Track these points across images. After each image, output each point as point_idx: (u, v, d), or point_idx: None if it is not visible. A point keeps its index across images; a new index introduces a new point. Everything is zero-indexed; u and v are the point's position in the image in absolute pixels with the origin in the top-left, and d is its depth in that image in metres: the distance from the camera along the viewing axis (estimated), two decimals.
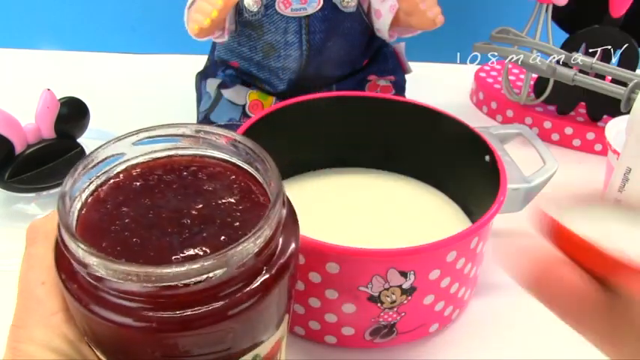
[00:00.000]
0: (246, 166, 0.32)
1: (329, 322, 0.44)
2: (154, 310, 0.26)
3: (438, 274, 0.43)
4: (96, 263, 0.26)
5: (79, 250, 0.26)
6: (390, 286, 0.42)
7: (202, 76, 0.68)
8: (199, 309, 0.26)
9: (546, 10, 0.70)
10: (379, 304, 0.43)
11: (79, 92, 0.58)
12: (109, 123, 0.65)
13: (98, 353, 0.31)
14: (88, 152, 0.58)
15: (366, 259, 0.41)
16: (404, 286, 0.42)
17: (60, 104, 0.56)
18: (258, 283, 0.27)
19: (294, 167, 0.58)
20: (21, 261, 0.32)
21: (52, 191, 0.56)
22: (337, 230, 0.51)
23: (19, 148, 0.54)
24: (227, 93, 0.65)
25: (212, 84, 0.66)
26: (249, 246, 0.26)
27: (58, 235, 0.28)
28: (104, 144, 0.31)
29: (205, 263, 0.25)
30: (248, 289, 0.27)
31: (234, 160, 0.32)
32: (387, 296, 0.42)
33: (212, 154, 0.33)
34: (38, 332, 0.30)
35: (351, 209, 0.55)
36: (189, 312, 0.26)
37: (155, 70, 0.82)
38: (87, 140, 0.59)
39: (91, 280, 0.27)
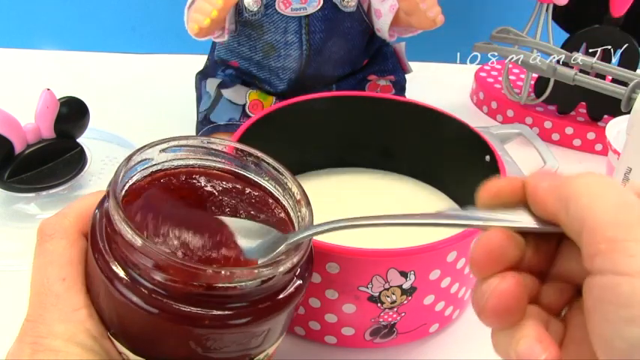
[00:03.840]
0: (266, 184, 0.35)
1: (329, 322, 0.44)
2: (205, 307, 0.28)
3: (439, 274, 0.43)
4: (163, 259, 0.27)
5: (145, 244, 0.27)
6: (390, 286, 0.42)
7: (202, 76, 0.68)
8: (246, 309, 0.29)
9: (546, 10, 0.70)
10: (379, 304, 0.43)
11: (78, 92, 0.58)
12: (108, 123, 0.65)
13: (123, 348, 0.31)
14: (87, 152, 0.59)
15: (366, 259, 0.41)
16: (404, 286, 0.42)
17: (60, 104, 0.56)
18: (293, 287, 0.31)
19: (294, 167, 0.57)
20: (34, 256, 0.32)
21: (51, 191, 0.56)
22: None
23: (18, 148, 0.54)
24: (227, 93, 0.65)
25: (212, 84, 0.66)
26: (295, 258, 0.30)
27: (112, 228, 0.29)
28: (139, 149, 0.32)
29: (262, 269, 0.28)
30: (287, 292, 0.31)
31: (253, 177, 0.35)
32: (387, 296, 0.42)
33: (236, 171, 0.35)
34: (60, 327, 0.30)
35: (351, 209, 0.55)
36: (239, 310, 0.29)
37: (155, 70, 0.82)
38: (87, 140, 0.59)
39: (147, 278, 0.28)
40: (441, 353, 0.47)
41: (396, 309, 0.43)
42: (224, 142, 0.35)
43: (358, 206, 0.55)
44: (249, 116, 0.64)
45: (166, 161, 0.33)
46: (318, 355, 0.46)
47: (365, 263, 0.41)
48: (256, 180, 0.35)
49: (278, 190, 0.34)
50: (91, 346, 0.30)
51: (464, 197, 0.55)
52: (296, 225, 0.33)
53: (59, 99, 0.56)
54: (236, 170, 0.35)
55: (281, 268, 0.29)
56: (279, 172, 0.34)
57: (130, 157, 0.31)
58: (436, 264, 0.42)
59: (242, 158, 0.35)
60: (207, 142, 0.34)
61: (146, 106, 0.73)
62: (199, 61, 0.70)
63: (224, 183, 0.34)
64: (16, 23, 0.90)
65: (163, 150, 0.33)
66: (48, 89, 0.55)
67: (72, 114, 0.57)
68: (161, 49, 0.85)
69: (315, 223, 0.33)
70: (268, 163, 0.34)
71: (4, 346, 0.32)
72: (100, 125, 0.63)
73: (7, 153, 0.54)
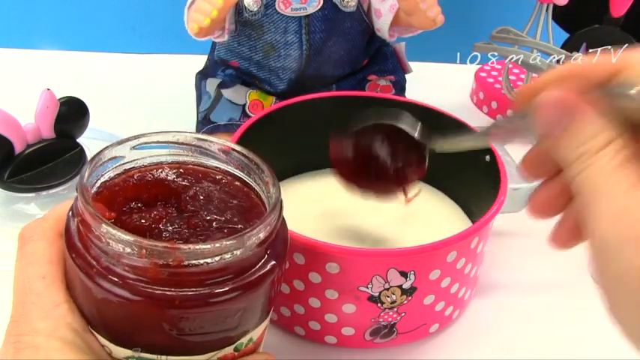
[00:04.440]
0: (237, 172, 0.35)
1: (329, 322, 0.44)
2: (178, 287, 0.29)
3: (439, 274, 0.43)
4: (131, 241, 0.28)
5: (109, 229, 0.28)
6: (391, 286, 0.42)
7: (202, 76, 0.68)
8: (217, 287, 0.29)
9: (547, 10, 0.70)
10: (379, 304, 0.43)
11: (78, 92, 0.58)
12: (108, 123, 0.65)
13: (105, 340, 0.32)
14: (87, 152, 0.59)
15: (366, 259, 0.41)
16: (404, 286, 0.42)
17: (60, 104, 0.56)
18: (268, 266, 0.31)
19: (294, 167, 0.57)
20: (15, 260, 0.32)
21: (51, 191, 0.56)
22: (337, 230, 0.51)
23: (18, 148, 0.54)
24: (227, 93, 0.65)
25: (212, 84, 0.66)
26: (261, 233, 0.30)
27: (82, 222, 0.30)
28: (106, 147, 0.33)
29: (226, 242, 0.29)
30: (260, 271, 0.31)
31: (224, 166, 0.36)
32: (387, 296, 0.42)
33: (206, 162, 0.36)
34: (41, 324, 0.30)
35: (351, 209, 0.54)
36: (208, 290, 0.29)
37: (155, 70, 0.82)
38: (86, 140, 0.59)
39: (118, 265, 0.29)
40: (441, 353, 0.47)
41: (396, 309, 0.43)
42: (192, 136, 0.36)
43: (358, 206, 0.55)
44: (249, 116, 0.64)
45: (139, 158, 0.34)
46: (318, 355, 0.46)
47: (365, 263, 0.41)
48: (227, 169, 0.36)
49: (248, 176, 0.35)
50: (73, 340, 0.30)
51: (464, 197, 0.55)
52: (267, 205, 0.33)
53: (59, 99, 0.56)
54: (207, 162, 0.36)
55: (247, 243, 0.29)
56: (248, 158, 0.35)
57: (96, 156, 0.32)
58: (436, 264, 0.42)
59: (211, 149, 0.36)
60: (180, 137, 0.35)
61: (146, 106, 0.73)
62: (199, 61, 0.70)
63: (196, 175, 0.35)
64: (16, 23, 0.90)
65: (134, 147, 0.34)
66: (48, 89, 0.55)
67: (72, 114, 0.57)
68: (161, 49, 0.85)
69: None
70: (237, 151, 0.35)
71: None
72: (100, 125, 0.63)
73: (7, 153, 0.54)
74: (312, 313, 0.44)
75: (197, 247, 0.28)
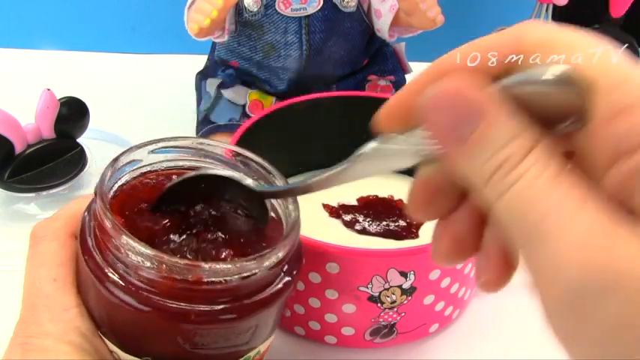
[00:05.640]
0: (252, 185, 0.33)
1: (329, 322, 0.44)
2: (192, 303, 0.29)
3: (438, 274, 0.43)
4: (151, 255, 0.28)
5: (130, 242, 0.28)
6: (390, 286, 0.42)
7: (202, 76, 0.68)
8: (233, 304, 0.29)
9: (546, 10, 0.70)
10: (379, 304, 0.43)
11: (79, 92, 0.58)
12: (108, 123, 0.65)
13: (114, 346, 0.32)
14: (87, 152, 0.59)
15: (366, 259, 0.41)
16: (404, 286, 0.42)
17: (60, 104, 0.56)
18: (281, 284, 0.31)
19: (293, 167, 0.57)
20: (26, 259, 0.32)
21: (51, 191, 0.56)
22: (337, 230, 0.51)
23: (19, 148, 0.54)
24: (227, 93, 0.65)
25: (212, 84, 0.66)
26: (280, 253, 0.30)
27: (100, 228, 0.29)
28: (125, 150, 0.33)
29: (246, 262, 0.29)
30: (274, 288, 0.31)
31: (239, 177, 0.34)
32: (387, 296, 0.42)
33: (222, 173, 0.34)
34: (51, 327, 0.30)
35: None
36: (223, 306, 0.29)
37: (155, 70, 0.82)
38: (87, 140, 0.59)
39: (134, 276, 0.29)
40: (441, 353, 0.47)
41: (396, 309, 0.43)
42: (213, 143, 0.35)
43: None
44: (249, 116, 0.64)
45: (156, 162, 0.34)
46: (318, 355, 0.46)
47: (365, 263, 0.41)
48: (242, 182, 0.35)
49: None
50: (81, 344, 0.30)
51: None
52: (284, 222, 0.33)
53: (59, 99, 0.56)
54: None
55: (266, 263, 0.29)
56: (267, 171, 0.35)
57: (117, 159, 0.32)
58: (436, 264, 0.42)
59: (231, 158, 0.35)
60: (197, 143, 0.35)
61: (146, 106, 0.73)
62: (199, 61, 0.70)
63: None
64: (16, 23, 0.90)
65: (152, 151, 0.34)
66: (48, 89, 0.55)
67: (72, 114, 0.57)
68: (161, 49, 0.85)
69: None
70: (257, 163, 0.35)
71: (4, 345, 0.32)
72: (100, 125, 0.63)
73: (7, 153, 0.54)
74: (312, 313, 0.44)
75: (217, 266, 0.28)
